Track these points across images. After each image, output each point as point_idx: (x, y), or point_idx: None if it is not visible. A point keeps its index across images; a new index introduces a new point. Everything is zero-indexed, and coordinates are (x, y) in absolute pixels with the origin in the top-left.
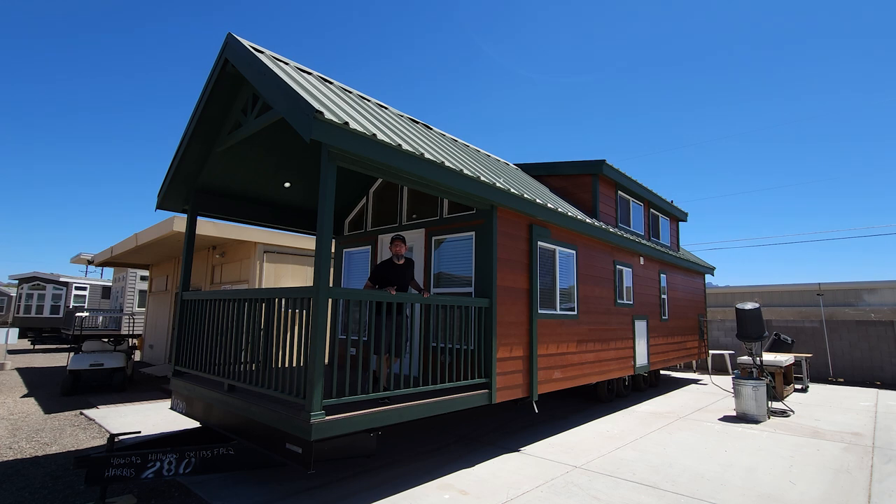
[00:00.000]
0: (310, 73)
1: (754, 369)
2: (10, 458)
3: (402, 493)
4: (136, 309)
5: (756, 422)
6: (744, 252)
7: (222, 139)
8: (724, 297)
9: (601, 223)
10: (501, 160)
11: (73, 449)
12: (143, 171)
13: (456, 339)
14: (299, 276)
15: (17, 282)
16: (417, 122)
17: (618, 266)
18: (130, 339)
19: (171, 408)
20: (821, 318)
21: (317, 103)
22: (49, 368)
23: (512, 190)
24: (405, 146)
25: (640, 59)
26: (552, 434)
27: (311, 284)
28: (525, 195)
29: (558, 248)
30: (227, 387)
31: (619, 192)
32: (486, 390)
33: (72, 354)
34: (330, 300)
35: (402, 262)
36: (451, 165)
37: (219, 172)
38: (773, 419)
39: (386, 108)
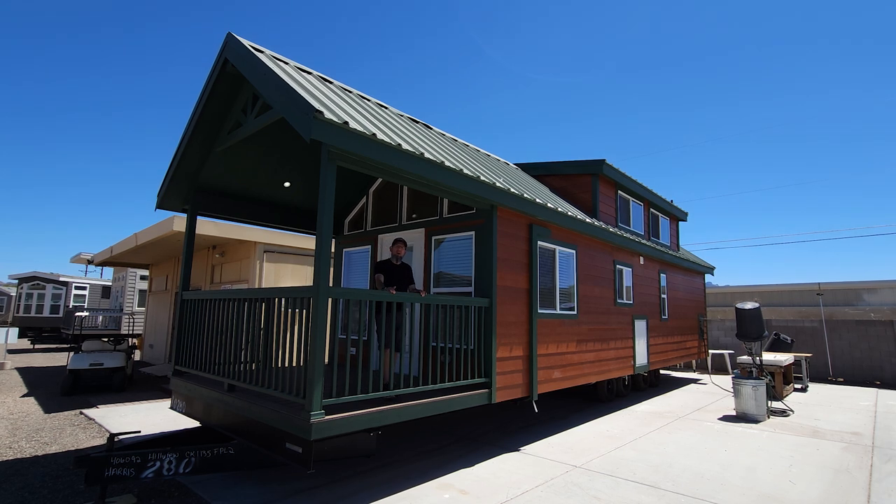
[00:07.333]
0: (310, 73)
1: (754, 369)
2: (10, 458)
3: (402, 493)
4: (136, 308)
5: (756, 421)
6: (744, 252)
7: (222, 139)
8: (724, 296)
9: (601, 223)
10: (501, 160)
11: (72, 448)
12: (142, 170)
13: (456, 339)
14: (299, 276)
15: (17, 281)
16: (417, 122)
17: (618, 266)
18: (130, 339)
19: (171, 407)
20: (821, 317)
21: (317, 103)
22: (49, 368)
23: (512, 190)
24: (405, 146)
25: (639, 59)
26: (552, 434)
27: (311, 284)
28: (525, 195)
29: (558, 248)
30: (227, 386)
31: (619, 191)
32: (486, 390)
33: (72, 354)
34: (330, 300)
35: (399, 264)
36: (450, 165)
37: (219, 172)
38: (773, 419)
39: (386, 108)
